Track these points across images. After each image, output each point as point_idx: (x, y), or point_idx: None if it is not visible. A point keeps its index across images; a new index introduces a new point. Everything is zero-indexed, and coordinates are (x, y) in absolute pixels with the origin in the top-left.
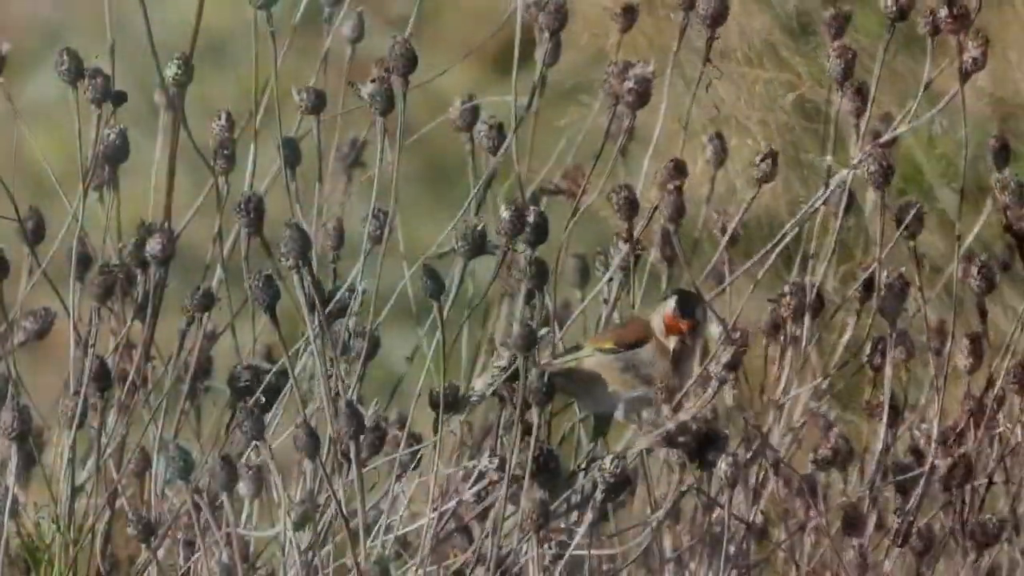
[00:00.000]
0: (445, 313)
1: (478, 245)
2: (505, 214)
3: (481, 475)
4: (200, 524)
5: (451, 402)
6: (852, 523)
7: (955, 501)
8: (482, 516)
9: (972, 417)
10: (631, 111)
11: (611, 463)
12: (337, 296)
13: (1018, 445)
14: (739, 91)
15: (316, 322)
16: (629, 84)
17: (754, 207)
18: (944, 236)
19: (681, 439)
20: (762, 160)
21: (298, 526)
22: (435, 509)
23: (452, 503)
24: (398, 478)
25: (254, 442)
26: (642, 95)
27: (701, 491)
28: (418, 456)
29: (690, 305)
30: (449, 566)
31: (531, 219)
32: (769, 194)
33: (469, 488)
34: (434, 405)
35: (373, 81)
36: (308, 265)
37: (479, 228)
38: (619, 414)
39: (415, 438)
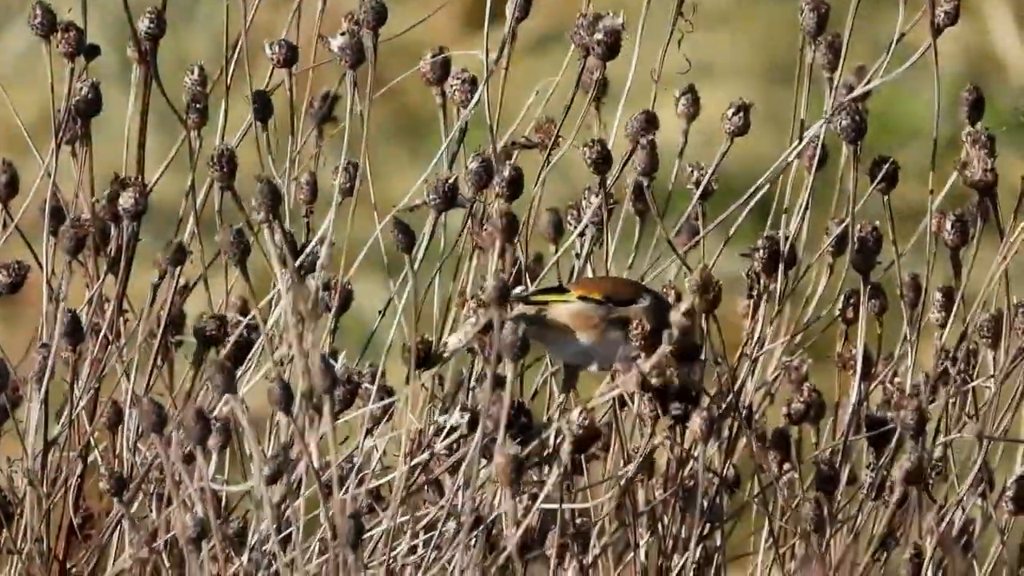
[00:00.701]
0: (417, 266)
1: (449, 198)
2: (473, 165)
3: (453, 429)
4: (173, 478)
5: (424, 358)
6: (825, 477)
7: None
8: (454, 469)
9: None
10: (602, 63)
11: (579, 415)
12: (308, 249)
13: (991, 399)
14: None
15: (287, 276)
16: (599, 36)
17: (730, 160)
18: (919, 189)
19: (654, 382)
20: (735, 113)
21: (270, 480)
22: (406, 463)
23: (423, 456)
24: (369, 432)
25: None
26: (612, 47)
27: (675, 445)
28: (391, 410)
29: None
30: (420, 519)
31: (506, 174)
32: (744, 147)
33: (441, 442)
34: (408, 360)
35: (343, 34)
36: (279, 219)
37: (450, 181)
38: (595, 368)
39: (388, 391)
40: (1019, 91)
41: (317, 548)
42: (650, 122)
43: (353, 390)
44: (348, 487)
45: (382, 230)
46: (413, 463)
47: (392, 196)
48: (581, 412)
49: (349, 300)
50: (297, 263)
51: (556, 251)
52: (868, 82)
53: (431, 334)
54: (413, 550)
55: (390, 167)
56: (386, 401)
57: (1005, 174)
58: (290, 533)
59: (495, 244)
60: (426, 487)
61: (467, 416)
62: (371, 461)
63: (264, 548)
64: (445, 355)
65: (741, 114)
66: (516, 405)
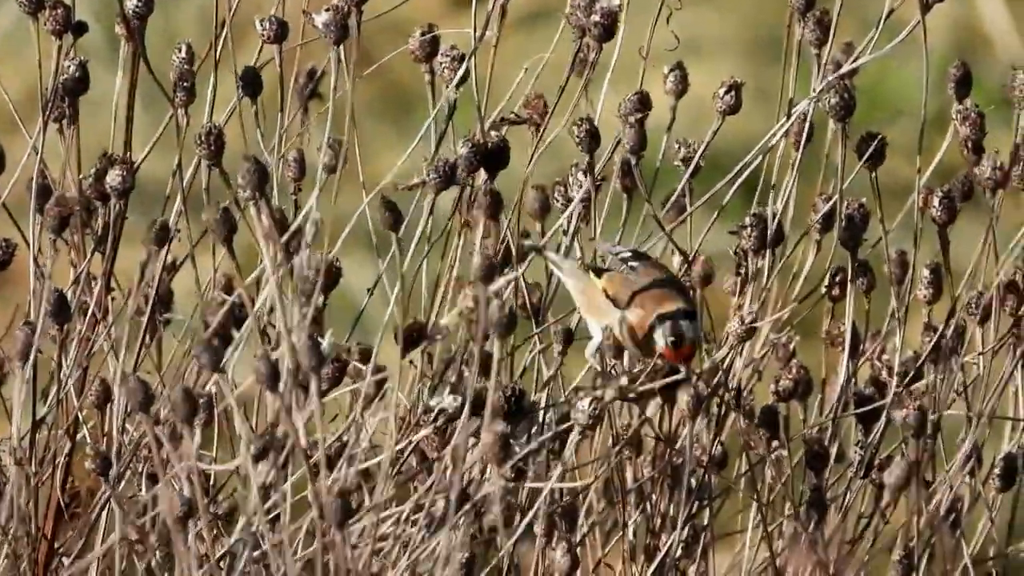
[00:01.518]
0: (412, 245)
1: (449, 178)
2: (463, 150)
3: (443, 411)
4: (160, 457)
5: (415, 339)
6: (814, 456)
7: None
8: (443, 448)
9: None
10: (598, 44)
11: (588, 404)
12: (293, 227)
13: (978, 377)
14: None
15: (273, 254)
16: (595, 17)
17: (717, 137)
18: (906, 166)
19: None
20: (726, 92)
21: (257, 459)
22: (396, 442)
23: (418, 435)
24: (361, 412)
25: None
26: (608, 28)
27: (662, 424)
28: (382, 389)
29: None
30: (408, 498)
31: (491, 146)
32: (730, 123)
33: (431, 422)
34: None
35: (327, 11)
36: (265, 197)
37: (450, 161)
38: (589, 350)
39: (377, 370)
40: (1006, 67)
41: (305, 527)
42: (643, 103)
43: (342, 368)
44: (340, 466)
45: (370, 207)
46: (402, 444)
47: (380, 173)
48: (591, 402)
49: (337, 278)
50: (284, 239)
51: (543, 229)
52: (856, 59)
53: (420, 313)
54: (401, 530)
55: (378, 144)
56: (375, 377)
57: (993, 150)
58: (279, 513)
59: (480, 222)
60: (415, 466)
61: (458, 399)
62: (360, 440)
63: (252, 528)
64: (439, 337)
65: (733, 93)
66: (514, 390)
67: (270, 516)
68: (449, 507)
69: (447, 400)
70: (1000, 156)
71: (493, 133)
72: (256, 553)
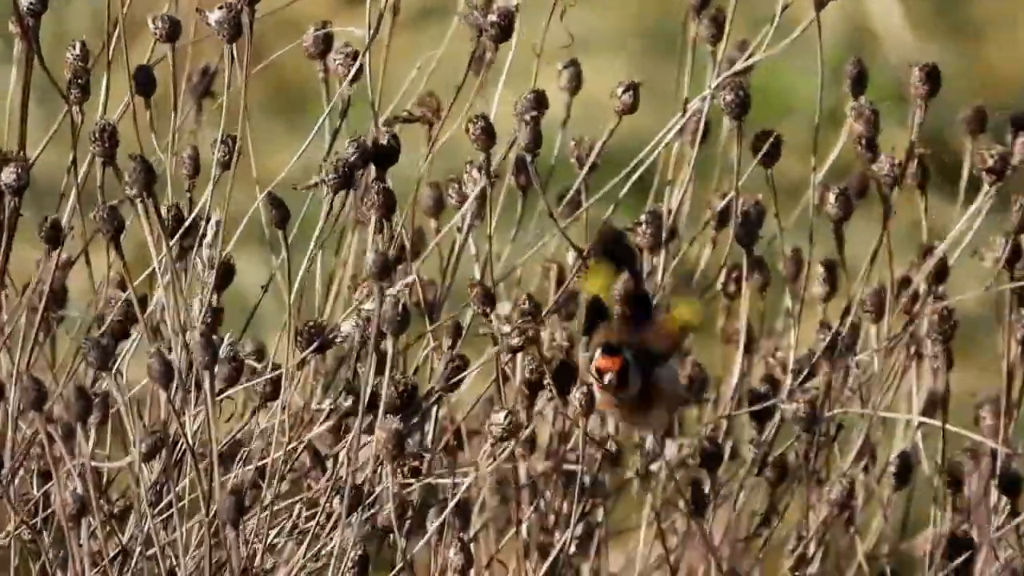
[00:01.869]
0: (316, 242)
1: (347, 178)
2: (350, 150)
3: (337, 407)
4: (53, 455)
5: (314, 341)
6: (708, 453)
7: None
8: (336, 445)
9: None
10: (494, 44)
11: (504, 417)
12: (186, 224)
13: (873, 375)
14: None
15: (163, 253)
16: (492, 17)
17: (614, 134)
18: (799, 163)
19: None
20: (624, 91)
21: (148, 457)
22: (289, 440)
23: (311, 433)
24: (254, 411)
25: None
26: (505, 28)
27: (556, 419)
28: (277, 387)
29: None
30: (303, 496)
31: (383, 142)
32: (624, 121)
33: (323, 420)
34: (298, 344)
35: (220, 8)
36: (153, 196)
37: (348, 160)
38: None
39: (272, 368)
40: (898, 64)
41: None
42: (539, 101)
43: (238, 367)
44: (236, 464)
45: (263, 204)
46: (295, 443)
47: (274, 170)
48: (507, 416)
49: (231, 275)
50: (176, 238)
51: (437, 227)
52: (750, 56)
53: (315, 310)
54: (295, 527)
55: (272, 141)
56: (268, 376)
57: (887, 148)
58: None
59: (372, 218)
60: (308, 464)
61: (351, 399)
62: (254, 439)
63: (144, 526)
64: (338, 340)
65: (631, 93)
66: (407, 385)
67: (164, 515)
68: (342, 505)
69: (340, 400)
70: (895, 153)
71: (384, 130)
72: (150, 552)
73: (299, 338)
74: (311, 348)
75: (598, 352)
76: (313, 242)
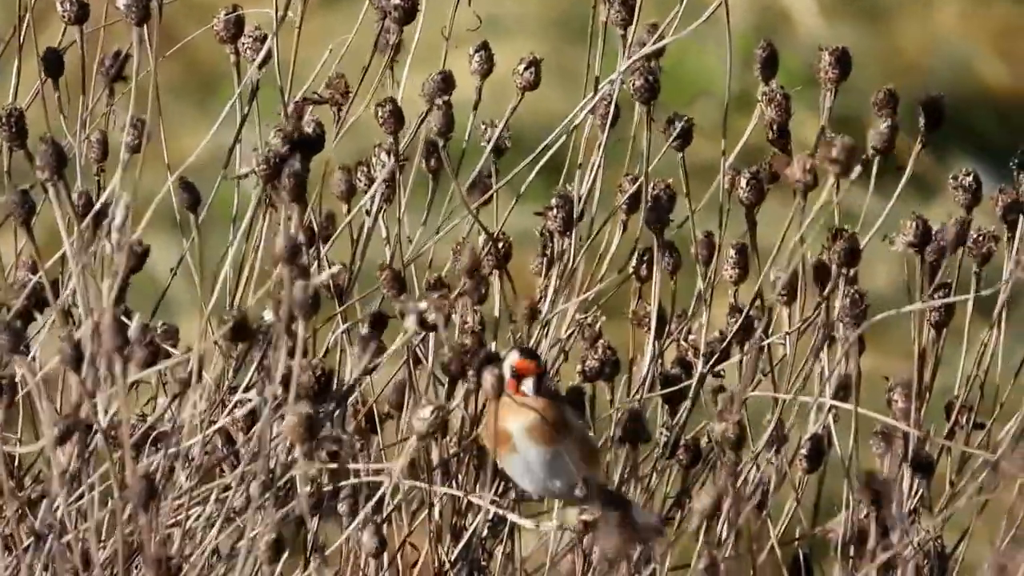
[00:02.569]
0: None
1: (277, 167)
2: (275, 140)
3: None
4: None
5: (238, 330)
6: (625, 435)
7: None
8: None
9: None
10: (398, 26)
11: (431, 412)
12: (97, 207)
13: (784, 358)
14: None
15: (74, 236)
16: (396, 0)
17: (523, 117)
18: (710, 146)
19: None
20: (525, 68)
21: (60, 441)
22: (202, 423)
23: (223, 419)
24: (174, 398)
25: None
26: (408, 11)
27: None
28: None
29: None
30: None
31: (308, 130)
32: (536, 104)
33: (232, 408)
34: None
35: None
36: (63, 179)
37: (280, 151)
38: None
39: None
40: (808, 47)
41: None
42: (447, 82)
43: (154, 351)
44: (149, 449)
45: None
46: (207, 430)
47: (184, 153)
48: (434, 411)
49: (143, 259)
50: (86, 222)
51: (348, 210)
52: (660, 39)
53: (225, 294)
54: (208, 511)
55: (182, 124)
56: (179, 358)
57: (797, 131)
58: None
59: (285, 203)
60: (221, 448)
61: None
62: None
63: (56, 510)
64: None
65: (532, 69)
66: (318, 368)
67: (79, 500)
68: (256, 489)
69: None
70: (805, 133)
71: (308, 117)
72: (65, 538)
73: (221, 326)
74: (235, 337)
75: (515, 353)
76: (236, 230)
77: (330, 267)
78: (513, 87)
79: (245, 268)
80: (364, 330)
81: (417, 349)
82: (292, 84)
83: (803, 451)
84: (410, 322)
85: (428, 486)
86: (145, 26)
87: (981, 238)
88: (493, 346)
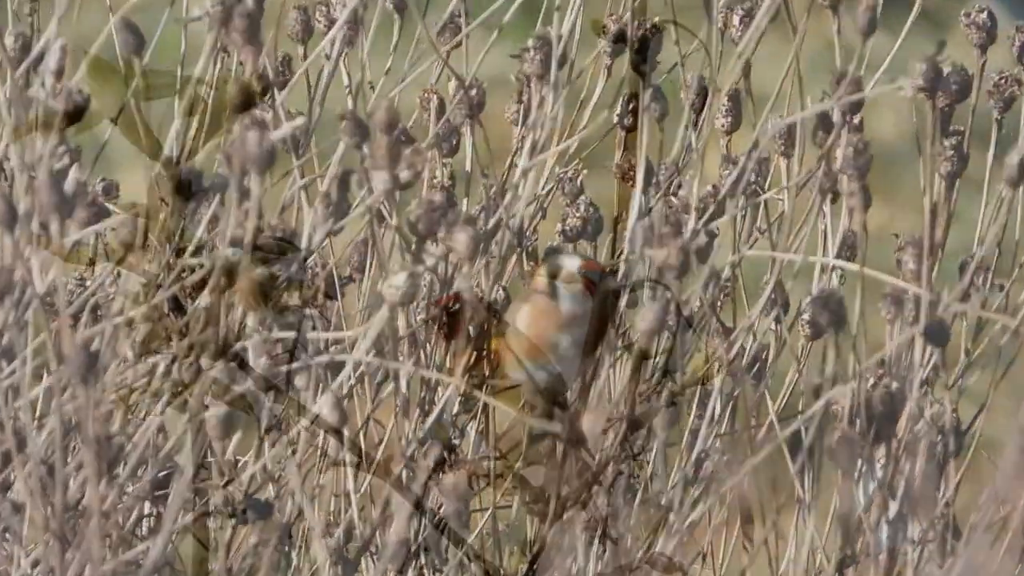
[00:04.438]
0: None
1: (229, 12)
2: None
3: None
4: None
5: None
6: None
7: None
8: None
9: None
10: None
11: (404, 279)
12: (33, 54)
13: (781, 215)
14: None
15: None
16: None
17: None
18: None
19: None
20: None
21: None
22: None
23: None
24: (120, 260)
25: None
26: None
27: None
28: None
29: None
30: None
31: None
32: None
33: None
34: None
35: None
36: None
37: None
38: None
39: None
40: None
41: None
42: None
43: (97, 211)
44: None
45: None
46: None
47: None
48: (408, 278)
49: (83, 109)
50: (21, 69)
51: (305, 54)
52: None
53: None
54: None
55: None
56: (122, 217)
57: None
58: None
59: (238, 46)
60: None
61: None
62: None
63: None
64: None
65: None
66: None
67: (12, 375)
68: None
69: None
70: None
71: None
72: None
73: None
74: (186, 197)
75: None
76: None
77: (288, 117)
78: None
79: (194, 117)
80: (326, 187)
81: (380, 206)
82: None
83: (804, 316)
84: (378, 183)
85: (393, 361)
86: None
87: (1003, 81)
88: (464, 203)
